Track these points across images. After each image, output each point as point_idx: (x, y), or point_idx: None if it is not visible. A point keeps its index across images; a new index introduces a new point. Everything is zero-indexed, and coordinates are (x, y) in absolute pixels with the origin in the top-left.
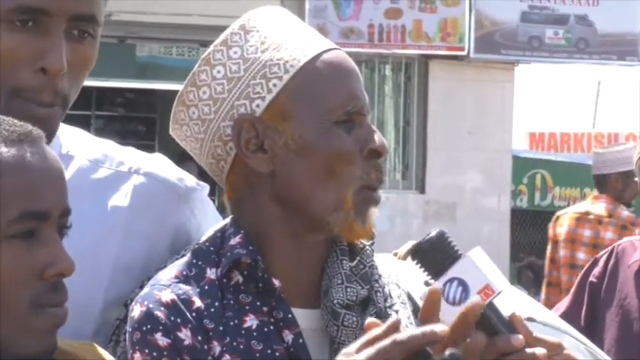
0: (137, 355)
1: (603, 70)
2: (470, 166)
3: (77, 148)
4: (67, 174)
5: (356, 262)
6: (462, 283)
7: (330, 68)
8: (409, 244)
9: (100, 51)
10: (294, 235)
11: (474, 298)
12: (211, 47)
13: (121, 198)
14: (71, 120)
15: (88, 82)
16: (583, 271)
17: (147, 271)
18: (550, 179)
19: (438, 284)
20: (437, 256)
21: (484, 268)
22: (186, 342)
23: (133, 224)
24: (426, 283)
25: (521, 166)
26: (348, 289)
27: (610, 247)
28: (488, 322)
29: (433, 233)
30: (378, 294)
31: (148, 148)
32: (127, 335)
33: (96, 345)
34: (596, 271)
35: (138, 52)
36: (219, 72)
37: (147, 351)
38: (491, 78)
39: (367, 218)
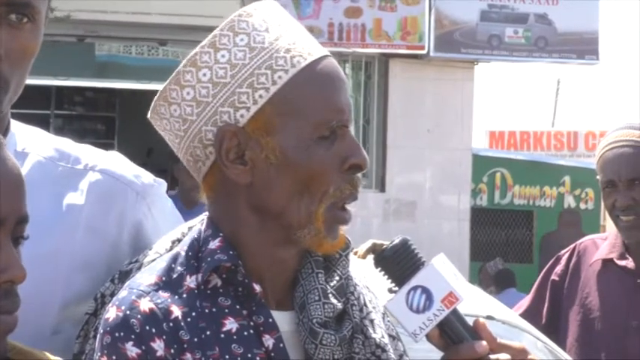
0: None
1: (563, 69)
2: (430, 164)
3: (32, 145)
4: (22, 171)
5: (332, 274)
6: (426, 291)
7: (318, 81)
8: (369, 243)
9: (60, 50)
10: (269, 242)
11: (437, 306)
12: (198, 48)
13: (77, 195)
14: (30, 119)
15: (47, 81)
16: (545, 269)
17: (107, 268)
18: (510, 178)
19: (401, 292)
20: (400, 264)
21: (447, 276)
22: (159, 353)
23: (89, 221)
24: (390, 291)
25: (481, 164)
26: (326, 306)
27: (572, 246)
28: (452, 329)
29: (397, 241)
30: (354, 307)
31: (108, 147)
32: (98, 336)
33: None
34: (558, 269)
35: (97, 51)
36: (204, 75)
37: (114, 358)
38: (451, 77)
39: (337, 234)
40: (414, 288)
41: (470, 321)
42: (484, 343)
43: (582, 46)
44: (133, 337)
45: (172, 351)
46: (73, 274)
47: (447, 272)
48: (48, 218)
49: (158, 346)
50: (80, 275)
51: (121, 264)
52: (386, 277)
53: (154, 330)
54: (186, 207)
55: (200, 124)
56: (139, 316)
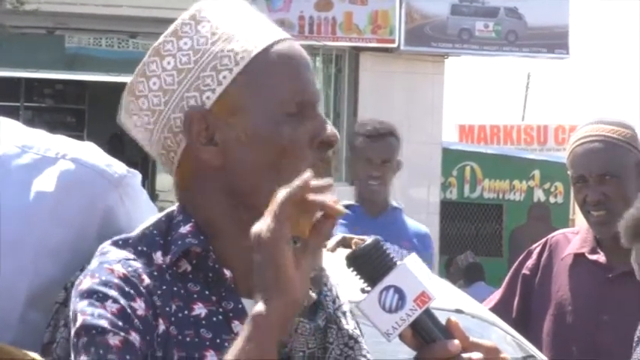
0: (79, 318)
1: (533, 63)
2: (400, 158)
3: (3, 134)
4: None
5: None
6: (399, 291)
7: (281, 60)
8: (339, 236)
9: (29, 42)
10: (242, 227)
11: (410, 305)
12: (162, 38)
13: (47, 183)
14: (0, 111)
15: (17, 73)
16: (516, 263)
17: (76, 257)
18: (479, 171)
19: (374, 292)
20: (373, 264)
21: (420, 276)
22: (139, 312)
23: (58, 209)
24: (363, 290)
25: (451, 158)
26: None
27: (543, 240)
28: (424, 328)
29: (369, 241)
30: (328, 297)
31: (77, 140)
32: (71, 306)
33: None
34: (530, 263)
35: (67, 44)
36: (169, 63)
37: (95, 313)
38: (422, 70)
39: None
40: (387, 288)
41: (439, 314)
42: (457, 342)
43: (552, 41)
44: (111, 296)
45: (151, 312)
46: (39, 261)
47: (419, 272)
48: (15, 205)
49: (139, 305)
50: (47, 263)
51: (88, 253)
52: (358, 277)
53: (132, 291)
54: (371, 214)
55: (168, 112)
56: (115, 280)
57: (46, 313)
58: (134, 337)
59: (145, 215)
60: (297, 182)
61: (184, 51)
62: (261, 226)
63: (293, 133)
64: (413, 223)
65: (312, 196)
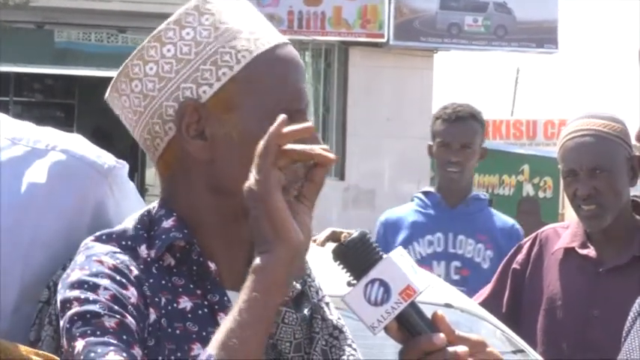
0: (70, 306)
1: (522, 58)
2: (389, 153)
3: None
4: None
5: None
6: (384, 284)
7: (281, 64)
8: (328, 231)
9: (19, 37)
10: (225, 220)
11: (395, 299)
12: (164, 24)
13: (37, 174)
14: None
15: (7, 68)
16: (506, 258)
17: (68, 249)
18: None
19: (359, 285)
20: (359, 258)
21: (405, 269)
22: (132, 300)
23: (49, 201)
24: (349, 284)
25: None
26: None
27: (534, 234)
28: (410, 321)
29: (355, 234)
30: (312, 288)
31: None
32: (59, 297)
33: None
34: (520, 258)
35: (56, 38)
36: (169, 51)
37: (89, 297)
38: (411, 65)
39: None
40: (372, 281)
41: (428, 308)
42: (442, 335)
43: (541, 35)
44: (102, 285)
45: (142, 301)
46: (31, 252)
47: (404, 265)
48: (6, 197)
49: (131, 293)
50: (39, 254)
51: (79, 244)
52: (344, 270)
53: (124, 280)
54: (449, 203)
55: (161, 99)
56: (106, 271)
57: (35, 308)
58: (130, 320)
59: (132, 206)
60: (270, 129)
61: (186, 41)
62: (250, 181)
63: None
64: (501, 217)
65: (290, 146)
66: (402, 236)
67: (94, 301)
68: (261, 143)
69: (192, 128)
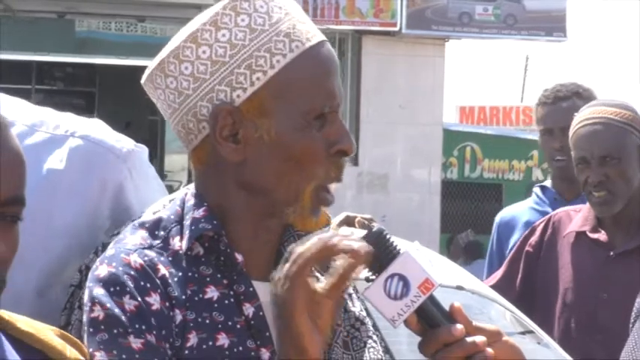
0: (97, 308)
1: (531, 46)
2: (402, 139)
3: (14, 114)
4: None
5: None
6: (403, 279)
7: (314, 67)
8: (342, 215)
9: (40, 26)
10: (254, 216)
11: (414, 292)
12: (199, 25)
13: (57, 160)
14: (11, 94)
15: (28, 57)
16: (520, 240)
17: (90, 234)
18: (479, 152)
19: (379, 280)
20: (377, 254)
21: (422, 263)
22: (155, 307)
23: (69, 186)
24: (367, 279)
25: (452, 139)
26: None
27: (547, 217)
28: (429, 314)
29: (373, 230)
30: None
31: None
32: (87, 291)
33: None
34: (533, 240)
35: (77, 27)
36: (204, 52)
37: (115, 311)
38: (423, 53)
39: (320, 213)
40: (391, 276)
41: (440, 290)
42: (460, 326)
43: (550, 24)
44: (128, 290)
45: (167, 304)
46: (51, 238)
47: (422, 259)
48: (28, 183)
49: (154, 299)
50: (60, 240)
51: (101, 228)
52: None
53: (148, 285)
54: (564, 197)
55: (196, 99)
56: (132, 272)
57: (64, 292)
58: (150, 338)
59: (152, 189)
60: (315, 241)
61: (221, 43)
62: (278, 283)
63: (313, 141)
64: None
65: (339, 243)
66: (515, 237)
67: (120, 314)
68: (302, 254)
69: (225, 131)
